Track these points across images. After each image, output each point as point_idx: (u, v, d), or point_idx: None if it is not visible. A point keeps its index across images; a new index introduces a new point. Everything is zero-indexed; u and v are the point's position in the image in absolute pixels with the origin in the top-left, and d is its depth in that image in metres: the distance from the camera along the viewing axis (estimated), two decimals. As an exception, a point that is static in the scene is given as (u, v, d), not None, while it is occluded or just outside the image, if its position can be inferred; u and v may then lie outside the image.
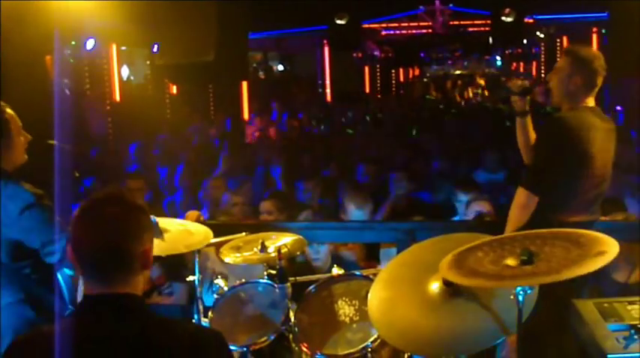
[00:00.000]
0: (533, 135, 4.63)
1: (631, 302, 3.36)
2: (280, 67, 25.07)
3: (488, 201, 6.33)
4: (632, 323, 3.14)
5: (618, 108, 13.22)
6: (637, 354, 2.95)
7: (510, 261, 2.78)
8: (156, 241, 3.15)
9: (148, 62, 16.21)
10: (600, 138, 4.35)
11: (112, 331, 2.27)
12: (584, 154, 4.28)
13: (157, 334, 2.31)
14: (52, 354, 2.23)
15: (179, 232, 4.10)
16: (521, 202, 4.28)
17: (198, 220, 4.79)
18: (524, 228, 4.05)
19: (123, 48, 15.83)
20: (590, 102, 4.43)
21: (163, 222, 4.11)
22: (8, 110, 3.92)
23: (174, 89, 16.61)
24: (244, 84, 14.06)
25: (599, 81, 4.42)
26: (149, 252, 2.37)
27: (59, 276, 4.01)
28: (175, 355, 2.29)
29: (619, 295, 3.70)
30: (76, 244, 2.32)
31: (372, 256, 5.84)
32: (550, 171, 4.28)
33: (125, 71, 17.61)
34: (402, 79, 28.52)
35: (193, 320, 4.14)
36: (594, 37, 15.85)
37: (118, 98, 14.64)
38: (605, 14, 12.61)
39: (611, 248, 2.66)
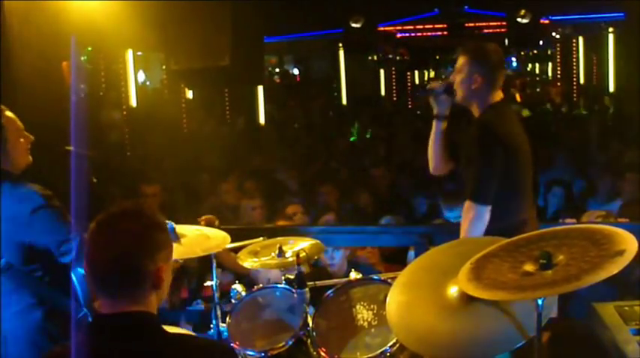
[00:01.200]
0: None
1: (652, 306, 3.34)
2: (295, 71, 25.09)
3: None
4: (653, 326, 3.11)
5: None
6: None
7: (529, 267, 2.75)
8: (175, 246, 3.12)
9: (164, 67, 16.25)
10: (521, 128, 4.38)
11: (122, 351, 2.24)
12: (515, 150, 4.24)
13: (168, 352, 2.28)
14: None
15: (196, 236, 4.12)
16: (474, 217, 4.16)
17: (212, 224, 4.79)
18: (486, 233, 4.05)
19: (139, 53, 15.89)
20: (498, 96, 4.36)
21: (181, 228, 4.12)
22: (7, 113, 3.93)
23: (190, 94, 16.66)
24: (260, 88, 14.06)
25: (500, 75, 4.36)
26: (162, 271, 2.32)
27: (73, 277, 4.01)
28: None
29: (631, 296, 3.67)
30: (88, 257, 2.30)
31: (389, 259, 5.84)
32: (496, 177, 4.19)
33: (141, 76, 17.66)
34: (417, 81, 28.48)
35: (208, 333, 4.16)
36: (610, 37, 15.78)
37: (134, 103, 14.69)
38: (622, 14, 12.56)
39: (629, 245, 2.62)
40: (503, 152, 4.17)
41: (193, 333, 3.98)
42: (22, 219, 3.80)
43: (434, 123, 4.57)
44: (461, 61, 4.39)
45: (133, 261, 2.25)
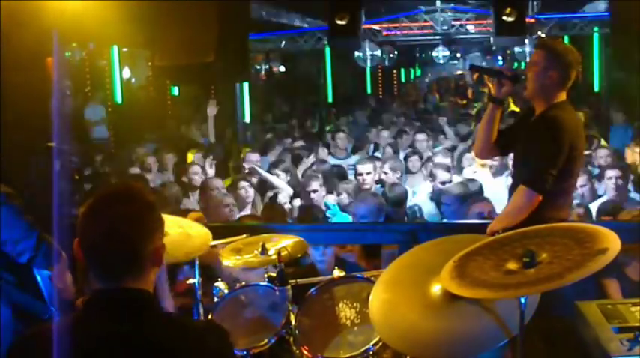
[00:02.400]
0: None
1: (635, 304, 3.33)
2: (282, 69, 25.04)
3: (489, 202, 6.31)
4: (636, 324, 3.11)
5: None
6: (641, 356, 2.93)
7: (512, 265, 2.75)
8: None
9: (150, 64, 16.19)
10: (582, 133, 4.46)
11: (120, 327, 2.24)
12: (578, 151, 4.34)
13: (164, 330, 2.29)
14: (59, 349, 2.20)
15: (178, 235, 4.03)
16: (523, 203, 4.26)
17: (199, 221, 4.75)
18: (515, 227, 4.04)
19: (124, 49, 15.82)
20: (563, 96, 4.43)
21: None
22: None
23: (175, 91, 16.60)
24: (245, 85, 14.02)
25: (573, 74, 4.43)
26: (160, 249, 2.33)
27: (38, 278, 3.97)
28: (182, 350, 2.27)
29: (633, 294, 3.68)
30: (84, 242, 2.28)
31: (372, 255, 5.81)
32: (556, 170, 4.27)
33: (127, 73, 17.59)
34: (404, 79, 28.52)
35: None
36: (595, 36, 15.82)
37: (119, 100, 14.63)
38: (607, 14, 12.58)
39: (612, 244, 2.63)
40: (568, 149, 4.26)
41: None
42: None
43: (489, 106, 4.64)
44: (537, 55, 4.47)
45: (134, 244, 2.26)
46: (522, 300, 2.68)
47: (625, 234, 2.86)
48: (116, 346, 2.23)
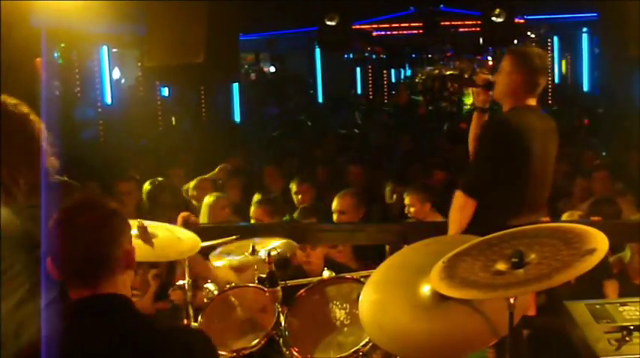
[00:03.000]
0: None
1: (623, 304, 3.34)
2: (272, 69, 25.02)
3: None
4: (624, 324, 3.12)
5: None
6: (629, 356, 2.94)
7: (501, 266, 2.75)
8: (144, 248, 3.12)
9: (140, 64, 16.16)
10: (540, 138, 4.35)
11: (101, 333, 2.27)
12: (524, 155, 4.26)
13: (144, 336, 2.32)
14: None
15: (167, 239, 4.01)
16: (459, 205, 4.26)
17: (188, 220, 4.75)
18: (469, 230, 4.05)
19: (114, 50, 15.78)
20: (532, 101, 4.42)
21: (152, 226, 4.06)
22: None
23: (166, 91, 16.56)
24: (235, 85, 14.01)
25: (541, 80, 4.41)
26: (130, 252, 2.41)
27: None
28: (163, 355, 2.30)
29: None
30: (55, 255, 2.36)
31: (361, 256, 5.80)
32: (489, 174, 4.25)
33: (117, 73, 17.54)
34: (394, 79, 28.52)
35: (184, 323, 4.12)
36: (584, 36, 15.88)
37: (109, 100, 14.59)
38: (595, 14, 12.63)
39: (600, 244, 2.63)
40: (516, 153, 4.23)
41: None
42: None
43: (475, 114, 4.69)
44: (505, 59, 4.47)
45: (101, 250, 2.33)
46: (511, 300, 2.68)
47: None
48: (101, 349, 2.26)
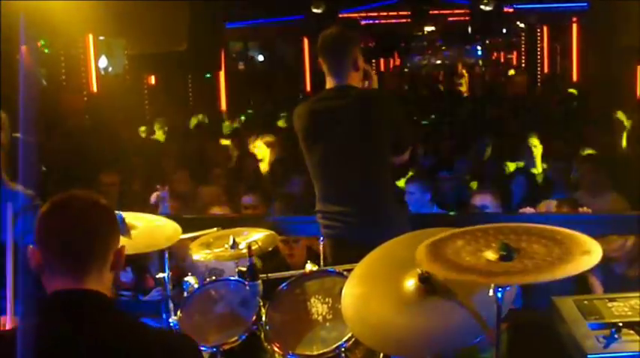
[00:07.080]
0: None
1: (611, 299, 3.28)
2: (260, 57, 24.93)
3: (492, 193, 6.21)
4: (613, 321, 3.05)
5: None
6: (617, 354, 2.87)
7: (490, 256, 2.66)
8: (123, 240, 3.01)
9: (126, 52, 16.07)
10: (324, 121, 4.29)
11: (80, 330, 2.21)
12: (306, 140, 4.32)
13: (126, 336, 2.28)
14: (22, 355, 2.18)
15: (146, 229, 3.98)
16: None
17: (158, 198, 4.71)
18: None
19: (100, 38, 15.66)
20: (329, 83, 4.36)
21: (131, 217, 4.00)
22: None
23: (152, 80, 16.47)
24: (221, 74, 13.92)
25: (322, 61, 4.37)
26: (121, 252, 2.38)
27: None
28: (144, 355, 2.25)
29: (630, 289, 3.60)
30: (43, 247, 2.29)
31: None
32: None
33: (103, 62, 17.44)
34: (382, 68, 28.50)
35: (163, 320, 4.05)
36: (574, 26, 15.86)
37: (95, 89, 14.49)
38: (585, 4, 12.61)
39: (593, 248, 2.54)
40: (300, 141, 4.40)
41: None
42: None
43: None
44: None
45: (100, 235, 2.31)
46: (499, 295, 2.59)
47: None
48: (80, 351, 2.19)
